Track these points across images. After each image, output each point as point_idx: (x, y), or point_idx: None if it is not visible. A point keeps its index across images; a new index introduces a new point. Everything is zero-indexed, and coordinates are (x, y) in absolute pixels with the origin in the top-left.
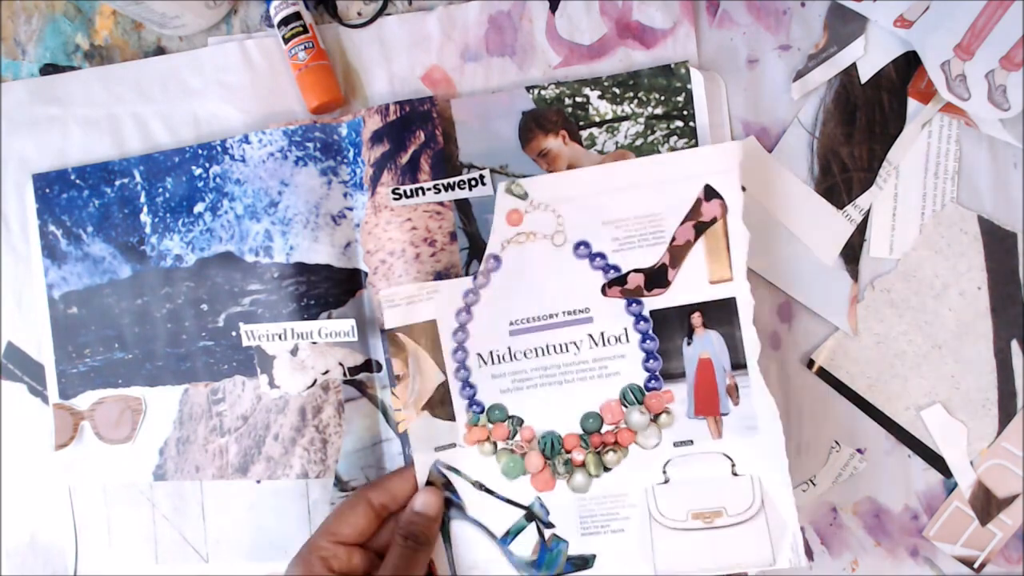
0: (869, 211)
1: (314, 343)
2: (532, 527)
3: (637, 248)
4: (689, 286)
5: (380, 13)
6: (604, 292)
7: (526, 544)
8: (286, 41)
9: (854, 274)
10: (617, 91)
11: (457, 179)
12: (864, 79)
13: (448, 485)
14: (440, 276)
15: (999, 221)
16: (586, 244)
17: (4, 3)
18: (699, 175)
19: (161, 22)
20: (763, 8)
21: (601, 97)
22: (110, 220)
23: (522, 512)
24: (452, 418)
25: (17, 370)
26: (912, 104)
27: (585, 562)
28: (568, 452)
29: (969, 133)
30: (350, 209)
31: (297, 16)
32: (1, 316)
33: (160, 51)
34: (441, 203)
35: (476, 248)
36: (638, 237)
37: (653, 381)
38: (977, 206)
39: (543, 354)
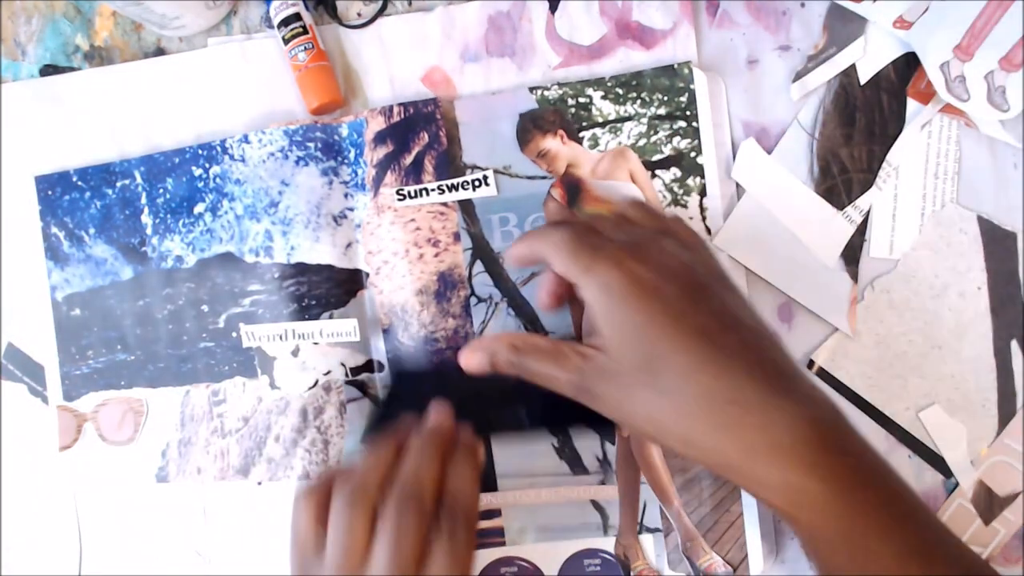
0: (869, 212)
1: (315, 344)
2: None
3: None
4: None
5: (380, 13)
6: None
7: None
8: (286, 42)
9: (854, 275)
10: (620, 91)
11: (461, 180)
12: (863, 80)
13: None
14: (443, 276)
15: (999, 221)
16: None
17: (4, 3)
18: None
19: (161, 23)
20: (763, 8)
21: (604, 97)
22: (112, 221)
23: None
24: None
25: (17, 371)
26: (912, 105)
27: None
28: None
29: (969, 134)
30: (351, 209)
31: (297, 17)
32: (1, 317)
33: (160, 52)
34: (445, 204)
35: (479, 249)
36: None
37: None
38: (977, 206)
39: None
